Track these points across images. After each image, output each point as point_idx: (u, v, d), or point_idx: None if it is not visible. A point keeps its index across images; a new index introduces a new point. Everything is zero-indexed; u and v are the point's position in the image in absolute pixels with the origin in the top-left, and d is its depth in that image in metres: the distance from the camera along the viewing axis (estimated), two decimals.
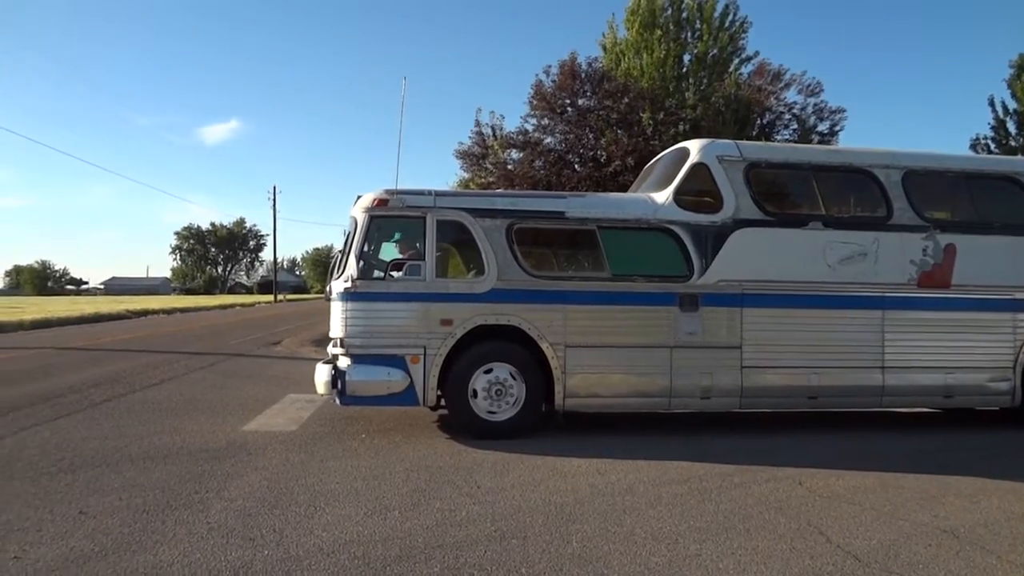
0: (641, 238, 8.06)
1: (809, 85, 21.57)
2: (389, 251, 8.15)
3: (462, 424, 7.60)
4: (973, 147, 27.43)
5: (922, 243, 8.31)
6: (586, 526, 4.79)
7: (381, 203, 7.62)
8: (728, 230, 7.97)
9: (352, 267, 7.46)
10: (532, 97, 21.16)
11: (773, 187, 8.78)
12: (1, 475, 5.86)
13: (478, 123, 21.73)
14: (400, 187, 7.83)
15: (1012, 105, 27.14)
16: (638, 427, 8.26)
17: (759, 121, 21.62)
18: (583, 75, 20.93)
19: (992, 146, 27.03)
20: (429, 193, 7.76)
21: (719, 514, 5.10)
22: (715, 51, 21.83)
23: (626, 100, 20.03)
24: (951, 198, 9.06)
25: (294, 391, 10.48)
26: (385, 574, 3.96)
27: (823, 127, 21.76)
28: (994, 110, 27.29)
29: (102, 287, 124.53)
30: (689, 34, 22.02)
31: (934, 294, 8.30)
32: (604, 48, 22.92)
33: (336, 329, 7.58)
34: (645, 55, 21.47)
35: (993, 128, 27.39)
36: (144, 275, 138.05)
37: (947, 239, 8.37)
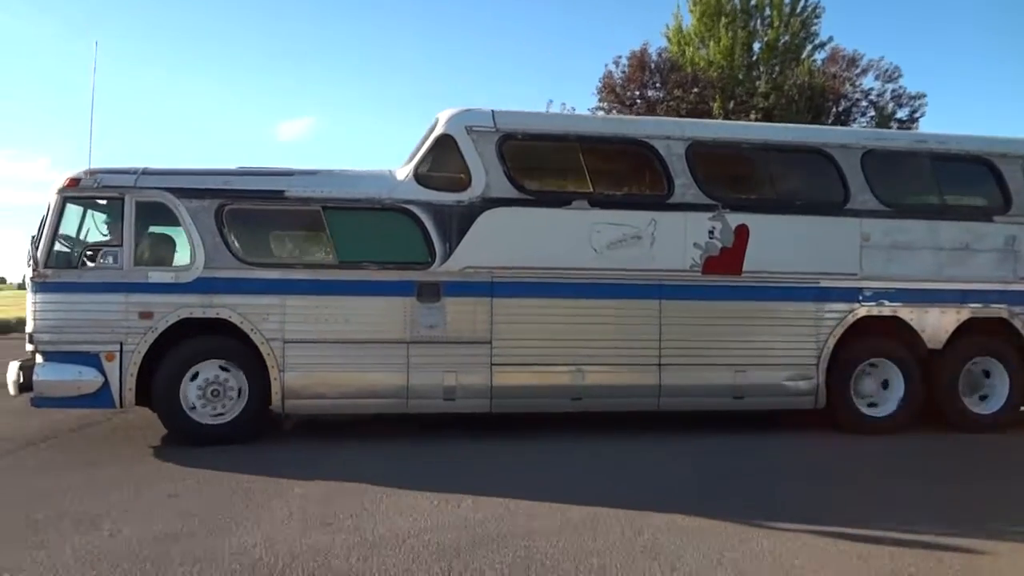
0: (374, 220, 7.22)
1: (887, 70, 20.96)
2: (94, 237, 7.30)
3: (172, 429, 6.93)
4: None
5: (709, 224, 7.45)
6: None
7: (73, 183, 6.88)
8: (476, 210, 7.14)
9: (42, 254, 6.75)
10: (601, 88, 21.07)
11: (532, 161, 7.92)
12: None
13: None
14: (103, 166, 7.11)
15: None
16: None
17: (834, 109, 21.00)
18: (652, 66, 20.78)
19: None
20: (133, 172, 6.98)
21: None
22: (786, 38, 21.37)
23: (696, 90, 19.77)
24: (745, 173, 8.30)
25: None
26: None
27: (902, 114, 20.98)
28: None
29: None
30: (758, 21, 21.57)
31: (721, 282, 7.48)
32: (668, 39, 22.64)
33: (28, 324, 6.87)
34: (711, 44, 21.14)
35: None
36: None
37: (739, 219, 7.49)
